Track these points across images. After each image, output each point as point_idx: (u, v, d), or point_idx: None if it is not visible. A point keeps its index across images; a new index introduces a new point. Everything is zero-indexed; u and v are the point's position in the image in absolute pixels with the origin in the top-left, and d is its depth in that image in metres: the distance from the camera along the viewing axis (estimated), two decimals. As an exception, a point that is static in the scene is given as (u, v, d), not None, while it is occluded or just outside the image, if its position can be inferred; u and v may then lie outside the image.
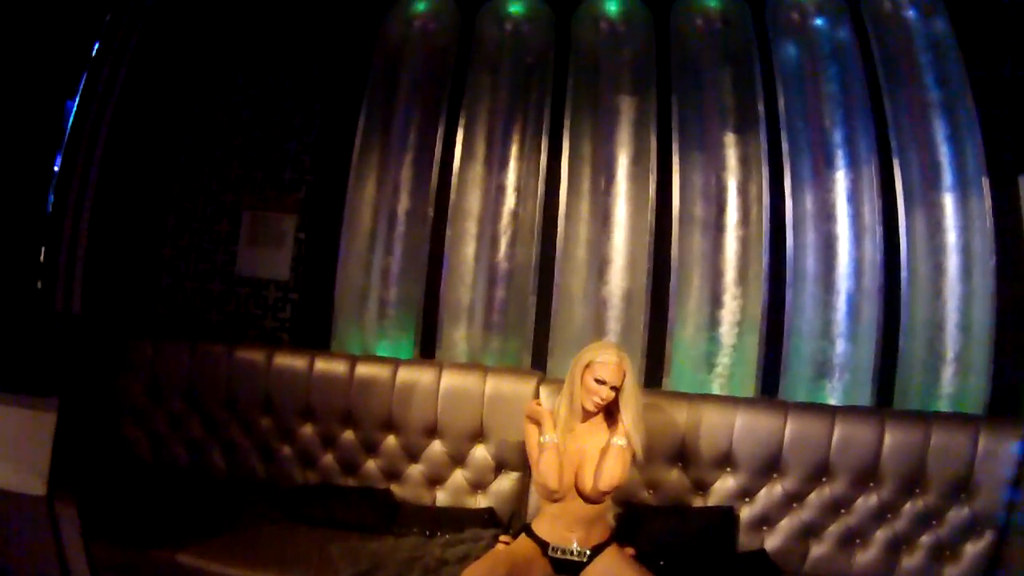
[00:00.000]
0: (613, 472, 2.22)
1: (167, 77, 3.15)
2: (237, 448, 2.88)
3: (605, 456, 2.24)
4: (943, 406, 2.78)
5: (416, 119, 3.21)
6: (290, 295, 3.14)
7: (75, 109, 2.56)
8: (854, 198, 2.96)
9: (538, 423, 2.32)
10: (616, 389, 2.25)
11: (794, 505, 2.52)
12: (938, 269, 2.87)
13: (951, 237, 2.87)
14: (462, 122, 3.15)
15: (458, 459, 2.78)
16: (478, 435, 2.77)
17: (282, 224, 3.13)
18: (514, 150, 3.17)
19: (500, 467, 2.75)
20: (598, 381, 2.24)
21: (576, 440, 2.31)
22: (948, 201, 2.87)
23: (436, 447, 2.79)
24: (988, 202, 2.77)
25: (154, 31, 2.92)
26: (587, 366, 2.27)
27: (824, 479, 2.49)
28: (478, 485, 2.77)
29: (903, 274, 2.85)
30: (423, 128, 3.19)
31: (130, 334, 3.02)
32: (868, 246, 2.91)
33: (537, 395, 2.71)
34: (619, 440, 2.24)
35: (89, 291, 2.74)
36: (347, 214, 3.12)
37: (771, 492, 2.53)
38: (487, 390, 2.73)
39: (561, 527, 2.26)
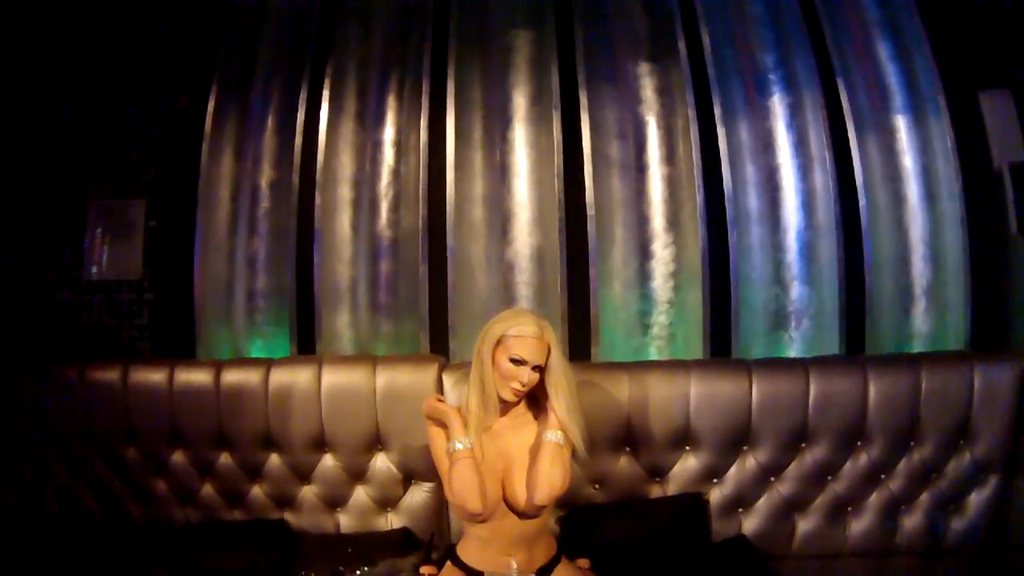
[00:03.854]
0: (552, 479, 1.52)
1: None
2: (107, 488, 2.10)
3: (539, 459, 1.54)
4: (917, 347, 2.25)
5: (278, 80, 2.45)
6: (145, 296, 2.30)
7: None
8: (795, 125, 2.34)
9: (443, 425, 1.59)
10: (540, 369, 1.55)
11: (772, 479, 1.93)
12: (896, 197, 2.34)
13: (906, 161, 2.34)
14: (328, 75, 2.39)
15: (356, 474, 1.99)
16: (375, 442, 1.98)
17: (130, 212, 2.31)
18: (391, 102, 2.41)
19: (409, 478, 1.97)
20: (515, 361, 1.53)
21: (496, 441, 1.59)
22: (901, 124, 2.36)
23: (328, 462, 1.99)
24: (947, 121, 2.28)
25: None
26: (498, 343, 1.54)
27: (803, 445, 1.92)
28: (385, 502, 1.99)
29: (862, 203, 2.27)
30: (286, 89, 2.43)
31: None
32: (818, 177, 2.31)
33: (439, 386, 1.94)
34: (552, 436, 1.54)
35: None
36: (202, 192, 2.31)
37: (743, 468, 1.92)
38: (379, 385, 1.95)
39: (494, 551, 1.56)
